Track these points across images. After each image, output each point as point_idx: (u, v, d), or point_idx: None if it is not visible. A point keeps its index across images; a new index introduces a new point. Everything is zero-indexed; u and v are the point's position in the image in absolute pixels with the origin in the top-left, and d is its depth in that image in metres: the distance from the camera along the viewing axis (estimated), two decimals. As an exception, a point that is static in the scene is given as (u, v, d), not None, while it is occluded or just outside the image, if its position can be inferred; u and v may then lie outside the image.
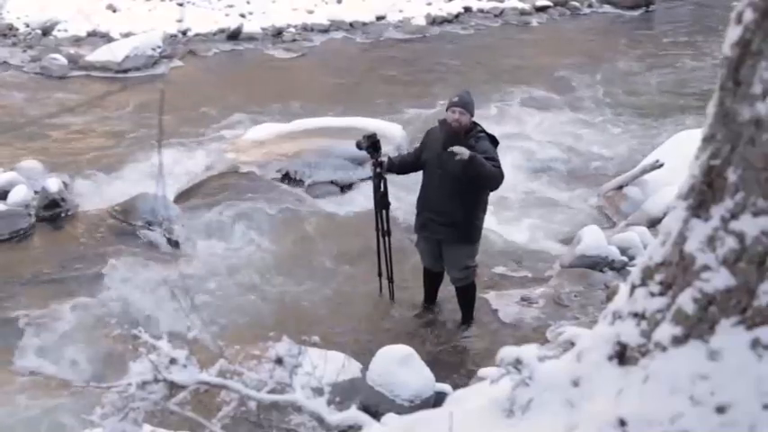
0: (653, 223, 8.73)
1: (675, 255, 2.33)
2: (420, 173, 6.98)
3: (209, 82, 15.02)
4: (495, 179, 6.44)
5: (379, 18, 19.86)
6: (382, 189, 7.10)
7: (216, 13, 19.21)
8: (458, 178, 6.40)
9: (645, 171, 9.79)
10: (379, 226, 7.25)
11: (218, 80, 15.23)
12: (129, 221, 8.78)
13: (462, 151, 6.19)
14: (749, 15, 2.12)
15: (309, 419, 3.13)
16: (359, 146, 6.92)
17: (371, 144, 6.84)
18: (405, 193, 8.78)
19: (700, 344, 2.22)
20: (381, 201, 7.16)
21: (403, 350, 5.76)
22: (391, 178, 7.22)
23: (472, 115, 6.57)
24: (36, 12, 17.26)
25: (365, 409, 4.13)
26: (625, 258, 8.14)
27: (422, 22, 19.86)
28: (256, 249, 8.55)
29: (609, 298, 6.74)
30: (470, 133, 6.51)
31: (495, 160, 6.43)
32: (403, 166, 7.10)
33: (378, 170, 6.97)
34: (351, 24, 19.38)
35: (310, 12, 19.68)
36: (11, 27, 16.87)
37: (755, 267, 2.13)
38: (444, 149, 6.50)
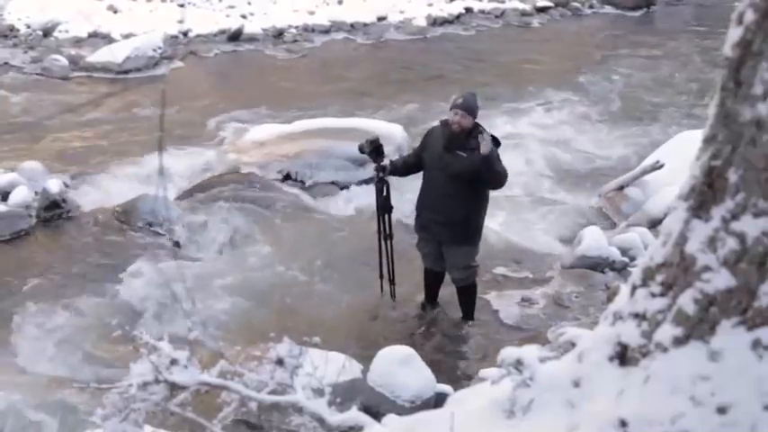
0: (654, 224, 8.72)
1: (676, 255, 2.33)
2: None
3: (210, 83, 15.03)
4: (504, 177, 6.46)
5: (380, 19, 19.86)
6: (385, 193, 7.08)
7: (217, 13, 19.23)
8: (459, 178, 6.41)
9: (645, 172, 9.78)
10: (381, 229, 7.24)
11: (219, 81, 15.23)
12: (129, 222, 8.78)
13: (485, 145, 6.19)
14: (750, 16, 2.12)
15: (310, 420, 3.13)
16: (361, 150, 6.91)
17: (374, 148, 6.82)
18: (406, 194, 8.78)
19: (700, 344, 2.22)
20: (384, 205, 7.14)
21: (404, 351, 5.75)
22: (393, 180, 7.21)
23: (475, 118, 6.56)
24: (37, 13, 17.27)
25: (366, 409, 4.12)
26: (626, 259, 8.13)
27: (423, 22, 19.87)
28: (257, 250, 8.55)
29: (610, 299, 6.74)
30: (472, 134, 6.50)
31: (497, 161, 6.44)
32: (406, 167, 7.09)
33: (380, 174, 6.96)
34: (351, 25, 19.39)
35: (311, 13, 19.69)
36: (12, 28, 16.88)
37: (756, 268, 2.13)
38: (446, 150, 6.50)
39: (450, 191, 6.49)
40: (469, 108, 6.52)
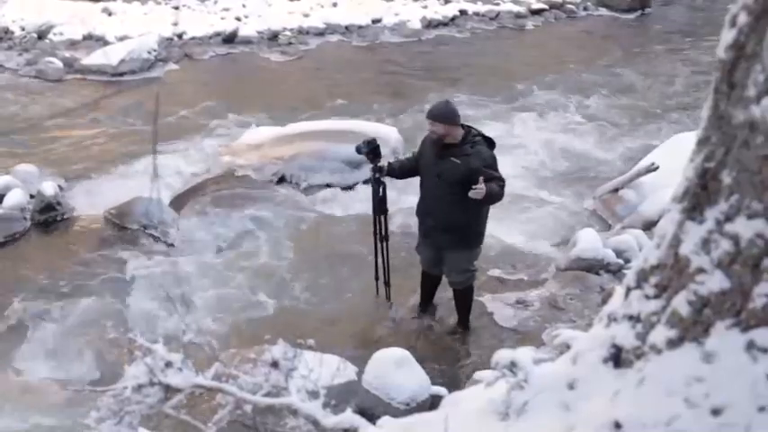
0: (648, 226, 8.72)
1: (670, 257, 2.34)
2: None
3: (205, 85, 15.01)
4: (501, 194, 6.42)
5: (375, 21, 19.87)
6: (381, 194, 7.07)
7: (211, 16, 19.22)
8: (454, 185, 6.37)
9: (640, 174, 9.78)
10: (377, 231, 7.23)
11: (214, 83, 15.22)
12: (124, 225, 8.78)
13: (478, 194, 6.19)
14: (743, 18, 2.13)
15: (305, 423, 3.13)
16: (358, 150, 6.88)
17: (371, 149, 6.80)
18: (403, 195, 8.79)
19: (695, 346, 2.22)
20: (380, 206, 7.13)
21: (399, 353, 5.75)
22: (389, 182, 7.21)
23: (452, 123, 6.44)
24: (32, 15, 17.26)
25: (361, 412, 4.11)
26: (621, 261, 8.13)
27: (417, 25, 19.87)
28: (252, 252, 8.54)
29: (604, 301, 6.75)
30: (466, 138, 6.47)
31: (493, 168, 6.41)
32: (403, 170, 7.06)
33: (377, 175, 6.94)
34: (346, 27, 19.39)
35: (306, 15, 19.69)
36: (7, 30, 16.87)
37: (750, 270, 2.13)
38: (438, 157, 6.48)
39: (447, 197, 6.44)
40: (439, 116, 6.43)
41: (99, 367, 6.57)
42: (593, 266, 8.05)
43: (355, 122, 11.51)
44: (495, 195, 6.32)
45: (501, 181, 6.37)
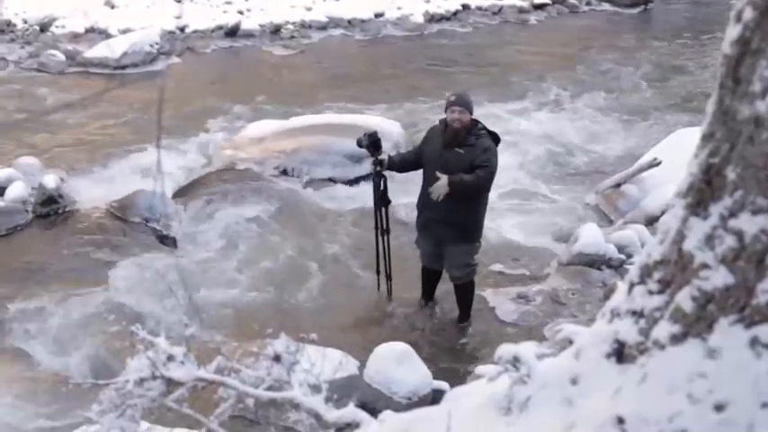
0: (651, 221, 8.73)
1: (674, 253, 2.33)
2: (420, 171, 6.98)
3: (208, 79, 15.00)
4: (484, 185, 6.49)
5: (378, 15, 19.84)
6: (382, 187, 7.08)
7: (214, 9, 19.19)
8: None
9: (642, 169, 9.78)
10: (379, 224, 7.24)
11: (217, 77, 15.21)
12: (126, 218, 8.78)
13: (440, 189, 6.29)
14: (749, 14, 2.12)
15: (307, 417, 3.13)
16: (359, 143, 6.90)
17: (372, 142, 6.82)
18: (404, 191, 8.78)
19: (698, 342, 2.21)
20: (381, 199, 7.14)
21: (400, 347, 5.76)
22: (391, 176, 7.21)
23: (471, 113, 6.58)
24: (34, 8, 17.23)
25: (363, 406, 4.11)
26: (623, 256, 8.14)
27: (420, 19, 19.84)
28: (254, 246, 8.55)
29: (607, 296, 6.75)
30: (471, 131, 6.51)
31: (487, 160, 6.44)
32: (404, 164, 7.08)
33: (378, 168, 6.95)
34: (349, 21, 19.36)
35: (308, 9, 19.66)
36: (9, 23, 16.84)
37: (754, 266, 2.13)
38: (444, 148, 6.51)
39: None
40: (466, 103, 6.56)
41: (101, 360, 6.57)
42: (594, 262, 8.05)
43: (357, 116, 11.51)
44: (469, 186, 6.40)
45: (485, 169, 6.41)
